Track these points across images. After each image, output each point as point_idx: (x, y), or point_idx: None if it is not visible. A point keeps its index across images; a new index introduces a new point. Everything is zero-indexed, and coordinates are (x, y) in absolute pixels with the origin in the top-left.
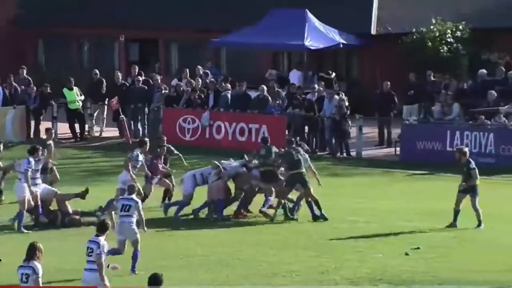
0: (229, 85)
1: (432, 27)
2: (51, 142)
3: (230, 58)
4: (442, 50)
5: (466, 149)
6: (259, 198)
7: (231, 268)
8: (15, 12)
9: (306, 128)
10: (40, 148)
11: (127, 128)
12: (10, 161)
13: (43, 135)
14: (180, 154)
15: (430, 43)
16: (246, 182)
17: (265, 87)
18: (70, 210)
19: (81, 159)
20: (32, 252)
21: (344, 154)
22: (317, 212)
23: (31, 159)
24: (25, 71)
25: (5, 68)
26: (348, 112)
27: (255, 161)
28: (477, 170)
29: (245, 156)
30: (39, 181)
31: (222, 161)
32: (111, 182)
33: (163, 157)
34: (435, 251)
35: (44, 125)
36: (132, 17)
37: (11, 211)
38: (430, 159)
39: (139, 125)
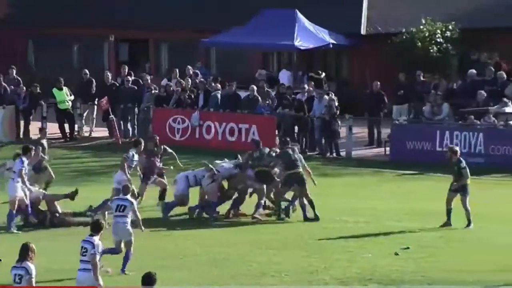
0: (219, 85)
1: (422, 27)
2: (44, 141)
3: (220, 58)
4: (431, 50)
5: (457, 148)
6: (253, 198)
7: (220, 268)
8: (6, 12)
9: (296, 128)
10: (33, 147)
11: (116, 128)
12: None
13: (32, 135)
14: (175, 154)
15: (419, 43)
16: (240, 182)
17: (255, 87)
18: (60, 210)
19: (70, 159)
20: (25, 252)
21: (334, 154)
22: (309, 214)
23: (24, 159)
24: (14, 71)
25: None
26: (338, 112)
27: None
28: (468, 169)
29: (239, 156)
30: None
31: (217, 161)
32: (101, 182)
33: (159, 156)
34: (425, 251)
35: (34, 125)
36: (122, 17)
37: (4, 211)
38: (420, 159)
39: (129, 125)
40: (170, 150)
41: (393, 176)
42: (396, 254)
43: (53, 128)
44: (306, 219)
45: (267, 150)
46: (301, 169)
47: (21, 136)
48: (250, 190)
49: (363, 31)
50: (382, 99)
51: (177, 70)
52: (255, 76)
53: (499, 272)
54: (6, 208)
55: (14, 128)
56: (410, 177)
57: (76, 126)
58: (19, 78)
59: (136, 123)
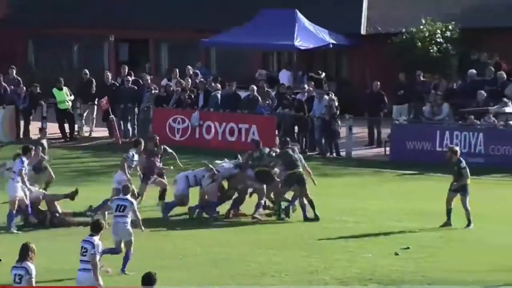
0: (219, 85)
1: (421, 27)
2: (44, 141)
3: (220, 58)
4: (431, 50)
5: (457, 148)
6: (253, 198)
7: (220, 268)
8: (5, 12)
9: (296, 128)
10: (33, 147)
11: (116, 128)
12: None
13: (32, 135)
14: (175, 154)
15: (419, 43)
16: (240, 182)
17: (255, 87)
18: (60, 210)
19: (70, 159)
20: (25, 252)
21: (334, 154)
22: (309, 214)
23: (24, 159)
24: (14, 71)
25: None
26: (338, 112)
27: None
28: (468, 169)
29: (239, 156)
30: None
31: (217, 161)
32: (101, 182)
33: (159, 156)
34: (425, 251)
35: (34, 125)
36: (122, 17)
37: (4, 211)
38: (420, 159)
39: (129, 125)
40: (170, 150)
41: (393, 176)
42: (396, 254)
43: (53, 128)
44: (306, 219)
45: (267, 150)
46: (301, 169)
47: (21, 136)
48: (250, 190)
49: (363, 31)
50: (382, 99)
51: (177, 70)
52: (255, 76)
53: (499, 272)
54: (6, 208)
55: (14, 128)
56: (410, 177)
57: (76, 126)
58: (19, 78)
59: (136, 123)
